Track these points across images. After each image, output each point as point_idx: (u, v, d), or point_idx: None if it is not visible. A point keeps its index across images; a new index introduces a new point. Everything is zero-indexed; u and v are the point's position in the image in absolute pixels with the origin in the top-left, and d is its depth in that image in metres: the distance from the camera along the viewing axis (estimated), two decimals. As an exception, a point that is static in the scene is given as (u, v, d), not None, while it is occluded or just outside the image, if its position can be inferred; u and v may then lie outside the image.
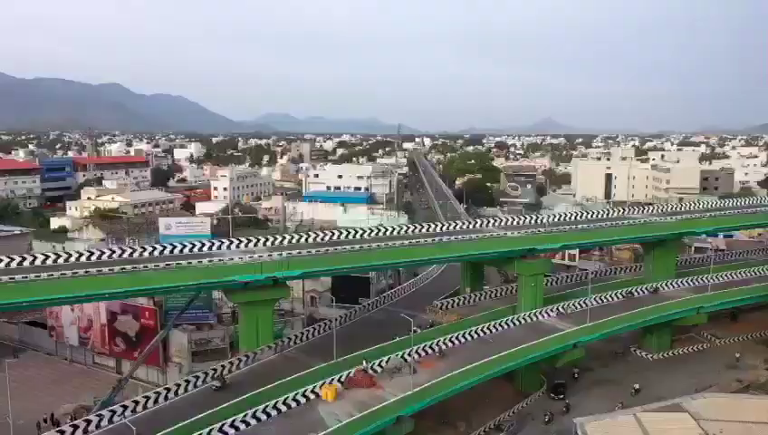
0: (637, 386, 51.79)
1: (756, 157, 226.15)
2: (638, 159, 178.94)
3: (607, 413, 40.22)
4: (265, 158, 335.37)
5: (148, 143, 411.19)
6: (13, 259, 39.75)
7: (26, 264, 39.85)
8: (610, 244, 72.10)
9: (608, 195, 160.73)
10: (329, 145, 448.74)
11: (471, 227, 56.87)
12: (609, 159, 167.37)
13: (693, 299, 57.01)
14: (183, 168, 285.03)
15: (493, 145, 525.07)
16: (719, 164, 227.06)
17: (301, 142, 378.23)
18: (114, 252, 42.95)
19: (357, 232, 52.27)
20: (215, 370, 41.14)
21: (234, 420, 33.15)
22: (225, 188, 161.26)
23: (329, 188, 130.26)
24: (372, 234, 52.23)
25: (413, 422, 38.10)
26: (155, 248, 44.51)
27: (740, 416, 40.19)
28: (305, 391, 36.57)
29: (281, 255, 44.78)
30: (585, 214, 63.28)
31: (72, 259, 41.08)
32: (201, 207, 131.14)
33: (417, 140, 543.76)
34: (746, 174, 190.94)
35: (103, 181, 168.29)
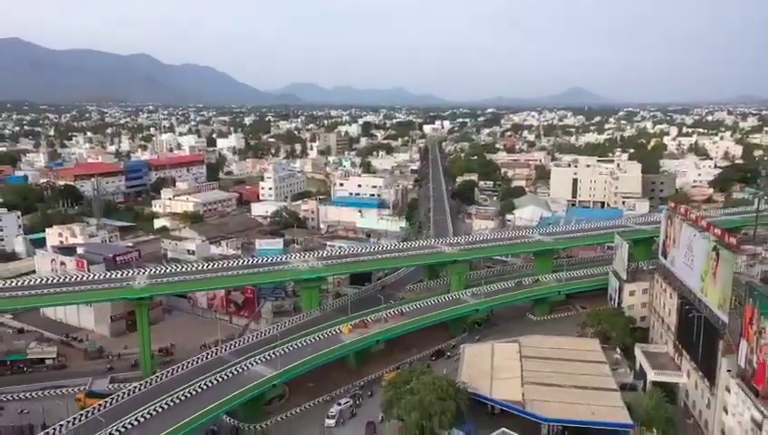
0: None
1: (711, 159, 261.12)
2: (600, 160, 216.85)
3: (477, 343, 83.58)
4: (297, 147, 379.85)
5: (191, 132, 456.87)
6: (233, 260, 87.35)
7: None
8: (507, 253, 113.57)
9: (574, 195, 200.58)
10: (354, 129, 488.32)
11: (427, 244, 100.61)
12: (576, 166, 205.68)
13: (555, 285, 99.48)
14: (227, 158, 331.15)
15: (509, 127, 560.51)
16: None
17: (327, 133, 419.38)
18: (245, 259, 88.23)
19: (362, 248, 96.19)
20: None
21: (297, 341, 77.07)
22: (270, 188, 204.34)
23: (351, 194, 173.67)
24: (370, 249, 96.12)
25: (384, 344, 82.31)
26: (260, 259, 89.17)
27: (545, 345, 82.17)
28: (335, 328, 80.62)
29: (323, 263, 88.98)
30: (495, 234, 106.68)
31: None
32: (256, 208, 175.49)
33: (436, 123, 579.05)
34: (699, 174, 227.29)
35: (177, 183, 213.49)
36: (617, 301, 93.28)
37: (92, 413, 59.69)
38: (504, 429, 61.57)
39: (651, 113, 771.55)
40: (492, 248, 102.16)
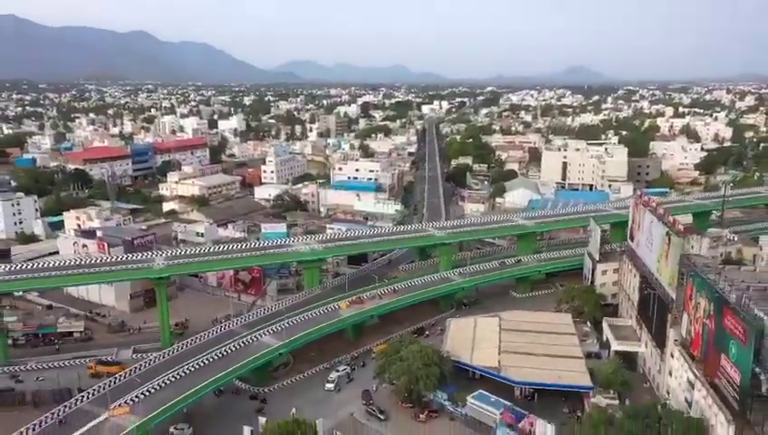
0: None
1: (698, 142, 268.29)
2: (589, 144, 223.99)
3: (460, 317, 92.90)
4: (297, 128, 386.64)
5: (192, 113, 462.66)
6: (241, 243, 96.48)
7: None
8: (491, 236, 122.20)
9: (564, 178, 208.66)
10: (353, 110, 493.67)
11: (419, 227, 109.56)
12: (566, 150, 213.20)
13: (535, 265, 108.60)
14: (229, 140, 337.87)
15: (507, 107, 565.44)
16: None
17: (326, 114, 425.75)
18: (252, 242, 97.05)
19: (358, 232, 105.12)
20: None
21: (300, 315, 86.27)
22: (272, 171, 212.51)
23: (349, 178, 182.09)
24: (366, 232, 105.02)
25: (379, 318, 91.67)
26: (265, 241, 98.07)
27: (522, 319, 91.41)
28: (334, 304, 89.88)
29: (323, 245, 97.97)
30: (481, 218, 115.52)
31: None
32: (259, 191, 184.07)
33: (434, 104, 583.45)
34: (686, 157, 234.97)
35: (182, 166, 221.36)
36: (590, 280, 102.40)
37: (126, 377, 69.12)
38: (481, 390, 71.23)
39: (650, 92, 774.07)
40: (477, 232, 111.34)
